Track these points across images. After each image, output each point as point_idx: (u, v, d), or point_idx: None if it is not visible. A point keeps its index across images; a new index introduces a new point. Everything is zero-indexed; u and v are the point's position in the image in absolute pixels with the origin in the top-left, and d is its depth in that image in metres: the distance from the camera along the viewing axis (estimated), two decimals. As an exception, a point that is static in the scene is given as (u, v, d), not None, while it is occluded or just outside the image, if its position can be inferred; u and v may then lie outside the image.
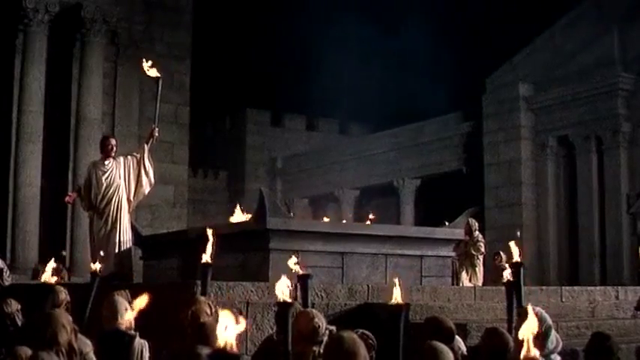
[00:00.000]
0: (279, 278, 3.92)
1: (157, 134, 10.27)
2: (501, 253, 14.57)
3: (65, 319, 4.06)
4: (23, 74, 18.51)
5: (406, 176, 26.09)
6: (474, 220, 13.55)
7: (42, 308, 5.15)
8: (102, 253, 9.56)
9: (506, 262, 12.43)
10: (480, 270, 14.03)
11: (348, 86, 30.57)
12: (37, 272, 13.81)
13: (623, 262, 19.64)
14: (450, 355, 4.05)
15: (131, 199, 10.35)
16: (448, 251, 10.27)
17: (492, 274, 14.14)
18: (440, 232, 10.35)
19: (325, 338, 4.34)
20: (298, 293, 5.40)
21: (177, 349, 4.69)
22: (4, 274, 9.93)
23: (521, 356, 2.57)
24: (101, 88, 19.39)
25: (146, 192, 10.53)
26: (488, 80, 23.14)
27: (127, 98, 20.38)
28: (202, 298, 5.25)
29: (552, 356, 4.77)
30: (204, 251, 5.67)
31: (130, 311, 4.34)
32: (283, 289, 3.72)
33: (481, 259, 14.10)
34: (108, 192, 10.14)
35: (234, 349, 2.34)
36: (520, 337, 2.55)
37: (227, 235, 9.30)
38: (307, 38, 32.46)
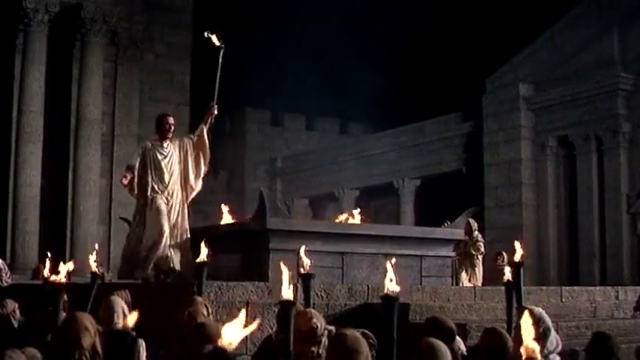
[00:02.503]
0: (279, 278, 3.90)
1: (215, 112, 9.31)
2: (503, 253, 14.55)
3: (88, 320, 3.99)
4: (23, 74, 18.50)
5: (406, 176, 26.03)
6: (473, 220, 13.55)
7: (55, 309, 5.07)
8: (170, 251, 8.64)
9: (508, 263, 12.42)
10: (479, 270, 14.04)
11: (348, 86, 30.51)
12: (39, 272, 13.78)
13: (623, 262, 19.61)
14: (448, 352, 4.04)
15: (193, 186, 9.23)
16: (448, 251, 10.28)
17: (493, 274, 14.12)
18: (440, 232, 10.37)
19: (324, 339, 4.33)
20: (299, 293, 5.39)
21: (175, 349, 4.68)
22: (4, 274, 9.93)
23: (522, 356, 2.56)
24: (101, 88, 19.37)
25: (202, 176, 9.28)
26: (488, 80, 23.10)
27: (127, 98, 20.36)
28: (199, 299, 5.24)
29: (551, 356, 4.76)
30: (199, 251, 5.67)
31: (127, 312, 4.32)
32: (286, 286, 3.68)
33: (481, 259, 14.11)
34: (170, 180, 8.95)
35: (232, 347, 2.31)
36: (523, 341, 2.53)
37: (227, 235, 9.32)
38: (307, 38, 32.43)
